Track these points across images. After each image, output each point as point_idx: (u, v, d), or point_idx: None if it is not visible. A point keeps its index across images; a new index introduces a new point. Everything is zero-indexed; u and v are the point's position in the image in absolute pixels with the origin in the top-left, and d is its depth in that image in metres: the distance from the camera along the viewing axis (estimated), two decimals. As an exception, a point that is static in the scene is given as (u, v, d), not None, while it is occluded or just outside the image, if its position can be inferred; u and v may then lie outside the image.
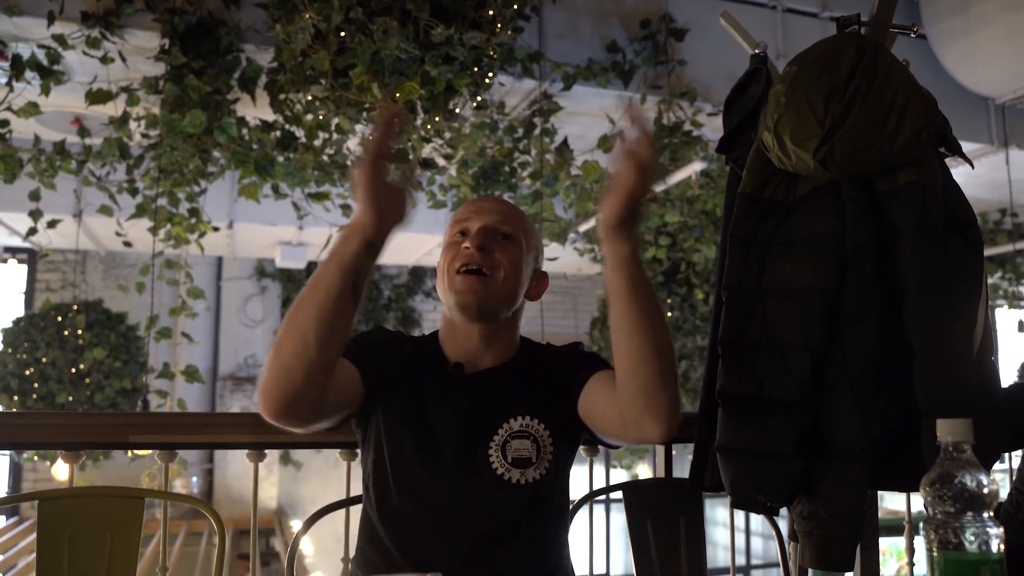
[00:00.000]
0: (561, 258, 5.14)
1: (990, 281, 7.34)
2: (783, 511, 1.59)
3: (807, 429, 1.41)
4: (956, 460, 0.84)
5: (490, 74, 3.47)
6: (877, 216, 1.48)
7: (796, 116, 1.48)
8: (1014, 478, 2.01)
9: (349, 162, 4.03)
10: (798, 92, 1.50)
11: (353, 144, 3.99)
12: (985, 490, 0.82)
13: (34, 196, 3.98)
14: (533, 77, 3.96)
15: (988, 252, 6.56)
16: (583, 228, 5.81)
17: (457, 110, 3.55)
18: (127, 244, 4.22)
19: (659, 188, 4.62)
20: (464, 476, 1.40)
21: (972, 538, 0.81)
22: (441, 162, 4.22)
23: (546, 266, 1.67)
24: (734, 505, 1.56)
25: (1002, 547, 0.81)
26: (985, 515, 0.82)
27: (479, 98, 3.59)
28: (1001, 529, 0.82)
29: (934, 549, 0.82)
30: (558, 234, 5.21)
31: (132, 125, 3.71)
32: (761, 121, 1.60)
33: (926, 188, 1.44)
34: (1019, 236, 6.47)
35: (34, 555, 1.48)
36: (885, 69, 1.50)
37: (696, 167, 4.31)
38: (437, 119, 3.47)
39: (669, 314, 5.78)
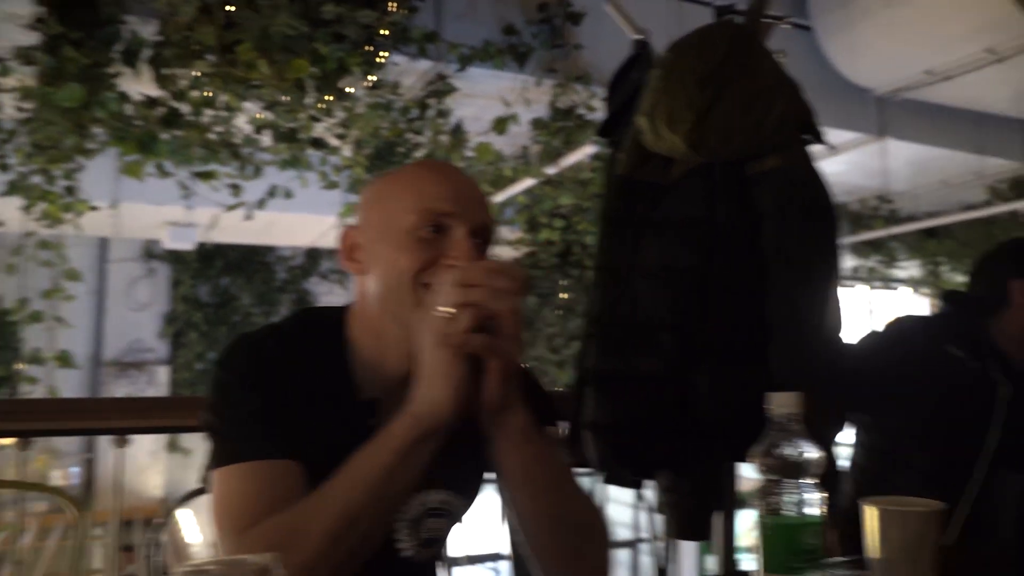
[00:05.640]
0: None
1: (867, 264, 7.70)
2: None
3: (672, 405, 1.45)
4: (783, 431, 0.88)
5: (383, 53, 3.42)
6: (747, 199, 1.53)
7: (670, 100, 1.52)
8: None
9: (237, 140, 3.91)
10: (673, 77, 1.54)
11: (241, 122, 3.87)
12: (807, 458, 0.87)
13: None
14: (429, 57, 3.92)
15: (865, 236, 6.88)
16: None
17: (349, 89, 3.49)
18: (-2, 223, 4.00)
19: (552, 171, 4.65)
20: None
21: (794, 504, 0.86)
22: (334, 142, 4.14)
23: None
24: (604, 480, 1.60)
25: (825, 510, 0.86)
26: (807, 482, 0.87)
27: (372, 78, 3.54)
28: (824, 495, 0.87)
29: (763, 515, 0.86)
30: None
31: (4, 97, 3.51)
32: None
33: (790, 173, 1.50)
34: (893, 222, 6.80)
35: None
36: (756, 57, 1.55)
37: (589, 150, 4.36)
38: (328, 98, 3.41)
39: (564, 296, 5.83)
